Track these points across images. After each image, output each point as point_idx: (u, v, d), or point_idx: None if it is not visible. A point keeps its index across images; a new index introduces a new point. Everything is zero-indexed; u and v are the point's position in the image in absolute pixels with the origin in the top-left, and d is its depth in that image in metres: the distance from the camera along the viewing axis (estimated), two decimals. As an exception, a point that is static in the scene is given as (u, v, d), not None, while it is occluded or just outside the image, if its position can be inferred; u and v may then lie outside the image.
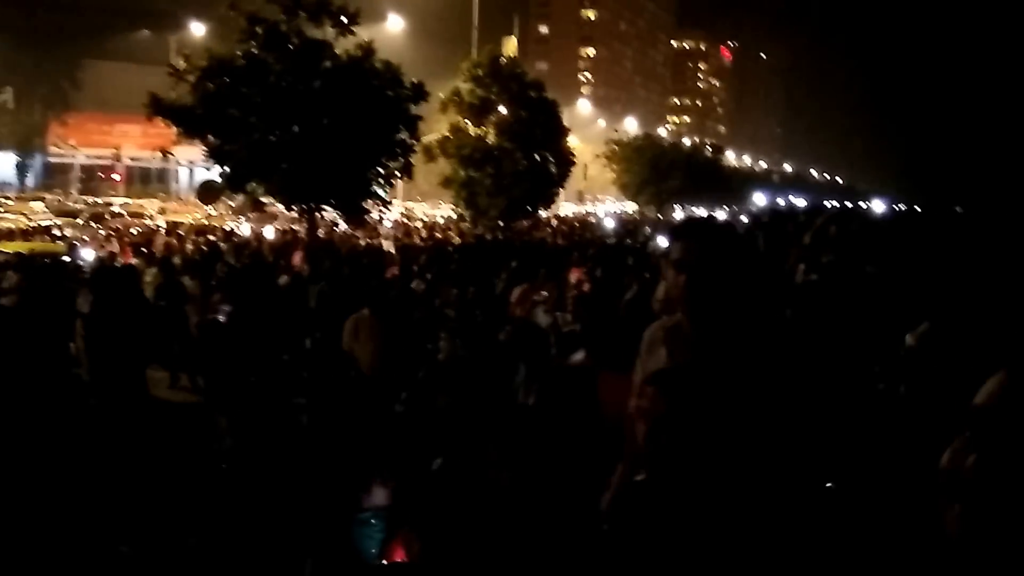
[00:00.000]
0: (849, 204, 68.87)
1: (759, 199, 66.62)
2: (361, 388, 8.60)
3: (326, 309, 10.78)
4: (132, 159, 55.11)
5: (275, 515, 4.98)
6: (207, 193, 21.01)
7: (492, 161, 24.33)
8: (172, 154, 18.76)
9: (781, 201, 73.94)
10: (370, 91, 18.12)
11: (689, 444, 2.73)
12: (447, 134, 24.98)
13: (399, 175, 19.75)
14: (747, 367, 2.84)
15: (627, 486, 3.05)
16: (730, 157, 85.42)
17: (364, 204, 18.99)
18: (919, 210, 53.73)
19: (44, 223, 27.28)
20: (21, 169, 55.60)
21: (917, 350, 4.36)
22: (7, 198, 40.84)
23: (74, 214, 32.33)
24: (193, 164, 41.25)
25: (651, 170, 48.15)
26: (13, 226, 25.54)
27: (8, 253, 16.26)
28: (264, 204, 19.67)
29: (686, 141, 64.56)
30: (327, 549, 4.58)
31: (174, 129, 17.20)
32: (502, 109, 25.35)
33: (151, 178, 60.61)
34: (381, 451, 5.13)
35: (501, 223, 24.84)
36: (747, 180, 75.22)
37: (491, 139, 25.06)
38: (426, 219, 38.04)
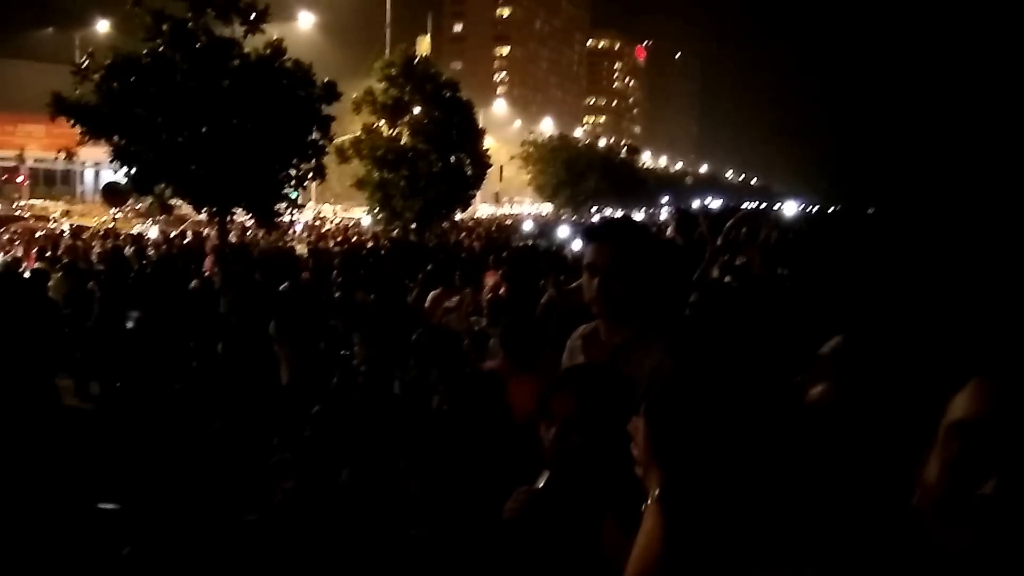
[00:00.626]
0: (764, 205, 70.50)
1: (669, 200, 67.66)
2: (273, 395, 8.50)
3: (238, 314, 10.59)
4: (36, 160, 53.29)
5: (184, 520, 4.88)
6: (113, 195, 20.46)
7: (407, 162, 24.21)
8: (76, 155, 18.17)
9: (697, 202, 75.20)
10: (280, 90, 17.85)
11: (599, 445, 2.71)
12: (360, 135, 24.78)
13: (311, 177, 19.49)
14: (660, 368, 2.85)
15: (530, 492, 3.04)
16: (646, 158, 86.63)
17: (276, 207, 18.69)
18: (832, 211, 55.26)
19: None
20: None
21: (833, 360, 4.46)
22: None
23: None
24: (99, 165, 40.09)
25: (567, 171, 48.58)
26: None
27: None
28: (172, 207, 19.23)
29: (602, 142, 65.19)
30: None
31: (79, 129, 16.69)
32: (416, 109, 25.23)
33: (56, 180, 58.74)
34: (291, 457, 5.07)
35: (416, 225, 24.73)
36: (663, 181, 76.36)
37: (405, 140, 24.93)
38: (339, 222, 37.65)
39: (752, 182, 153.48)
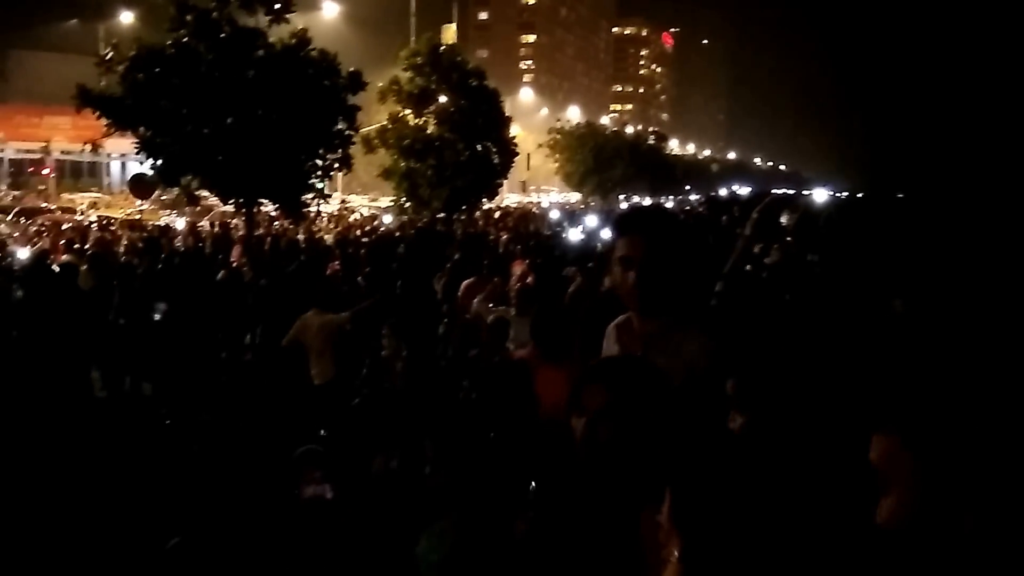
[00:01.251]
0: (792, 192, 69.91)
1: (691, 191, 67.25)
2: (305, 387, 8.45)
3: (266, 306, 10.53)
4: (63, 152, 53.71)
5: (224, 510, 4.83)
6: (139, 187, 20.46)
7: (433, 151, 24.07)
8: (103, 147, 18.16)
9: (724, 191, 74.72)
10: (305, 81, 17.73)
11: (630, 438, 2.63)
12: (386, 124, 24.67)
13: (338, 167, 19.40)
14: (698, 354, 2.80)
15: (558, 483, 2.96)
16: (674, 145, 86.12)
17: (303, 197, 18.62)
18: (861, 197, 54.70)
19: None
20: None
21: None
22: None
23: (3, 210, 31.38)
24: (125, 157, 40.31)
25: (594, 159, 48.30)
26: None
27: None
28: (199, 198, 19.20)
29: (629, 129, 64.78)
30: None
31: (104, 121, 16.68)
32: (442, 98, 25.09)
33: (82, 172, 59.23)
34: (326, 448, 5.01)
35: (443, 214, 24.61)
36: (691, 168, 75.87)
37: (432, 129, 24.80)
38: (366, 212, 37.62)
39: (781, 168, 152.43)
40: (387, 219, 27.12)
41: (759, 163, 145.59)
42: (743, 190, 76.65)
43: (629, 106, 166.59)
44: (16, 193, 44.15)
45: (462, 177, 24.18)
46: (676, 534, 2.12)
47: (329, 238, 21.18)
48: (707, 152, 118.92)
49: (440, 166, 23.94)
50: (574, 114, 70.43)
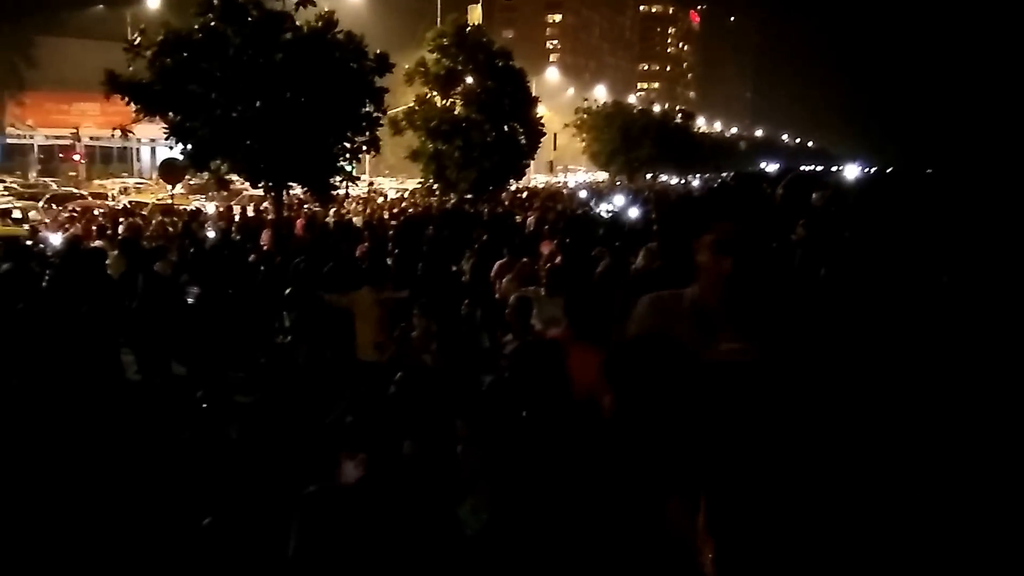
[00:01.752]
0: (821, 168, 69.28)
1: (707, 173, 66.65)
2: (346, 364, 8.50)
3: (300, 287, 10.58)
4: (92, 138, 54.16)
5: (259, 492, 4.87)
6: (169, 172, 20.59)
7: (460, 133, 24.07)
8: (132, 132, 18.29)
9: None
10: (333, 63, 17.76)
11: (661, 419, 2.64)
12: (413, 106, 24.67)
13: (365, 149, 19.43)
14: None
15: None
16: (701, 123, 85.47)
17: (331, 180, 18.68)
18: (891, 173, 54.05)
19: (3, 206, 26.68)
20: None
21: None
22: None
23: (35, 197, 31.71)
24: (155, 142, 40.58)
25: (621, 138, 48.08)
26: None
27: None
28: (229, 182, 19.31)
29: (656, 108, 64.36)
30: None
31: (133, 107, 16.78)
32: (469, 79, 25.05)
33: (112, 158, 59.69)
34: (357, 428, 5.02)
35: (471, 195, 24.63)
36: (718, 146, 75.33)
37: (459, 110, 24.78)
38: (395, 194, 37.68)
39: (808, 145, 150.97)
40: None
41: (787, 140, 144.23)
42: (771, 167, 76.02)
43: (656, 85, 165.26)
44: (47, 180, 44.59)
45: (489, 158, 24.19)
46: (710, 539, 2.16)
47: (358, 220, 21.23)
48: (734, 130, 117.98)
49: (467, 147, 23.95)
50: (601, 93, 70.13)
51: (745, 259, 2.81)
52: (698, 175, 63.15)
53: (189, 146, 17.24)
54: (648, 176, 51.24)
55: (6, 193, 34.70)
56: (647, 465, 2.63)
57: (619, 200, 24.61)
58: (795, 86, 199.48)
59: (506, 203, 27.50)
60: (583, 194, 27.21)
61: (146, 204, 26.73)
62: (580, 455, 3.60)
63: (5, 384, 7.08)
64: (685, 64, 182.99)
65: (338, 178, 18.88)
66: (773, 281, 2.87)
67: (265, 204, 23.44)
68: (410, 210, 25.38)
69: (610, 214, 20.49)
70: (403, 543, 3.70)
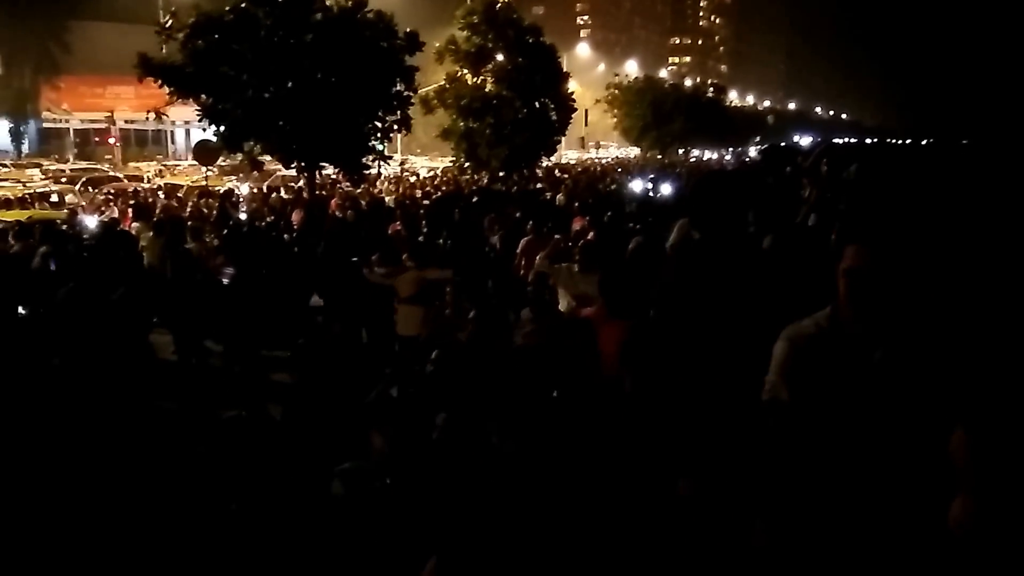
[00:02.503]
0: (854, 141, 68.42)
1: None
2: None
3: (337, 266, 10.65)
4: (127, 122, 54.65)
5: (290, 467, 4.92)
6: (204, 153, 20.75)
7: (491, 110, 24.00)
8: (166, 115, 18.44)
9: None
10: (363, 43, 17.76)
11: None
12: (444, 84, 24.64)
13: (397, 128, 19.45)
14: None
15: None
16: (733, 96, 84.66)
17: (363, 159, 18.73)
18: (925, 144, 53.23)
19: (41, 190, 27.03)
20: (16, 136, 55.25)
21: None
22: (3, 165, 40.55)
23: (72, 180, 32.08)
24: (189, 124, 40.88)
25: (653, 113, 47.72)
26: (11, 194, 25.30)
27: (8, 221, 16.04)
28: (262, 163, 19.43)
29: (688, 82, 63.78)
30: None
31: (167, 89, 16.91)
32: (499, 56, 24.94)
33: (147, 140, 60.25)
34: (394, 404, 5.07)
35: (502, 173, 24.60)
36: (751, 120, 74.60)
37: (489, 88, 24.70)
38: (426, 172, 37.73)
39: (842, 117, 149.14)
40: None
41: (820, 112, 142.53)
42: (804, 140, 75.19)
43: (688, 59, 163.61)
44: (84, 163, 45.07)
45: (520, 135, 24.10)
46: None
47: (390, 200, 21.30)
48: (767, 103, 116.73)
49: (498, 125, 23.88)
50: (632, 68, 69.56)
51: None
52: (730, 149, 62.61)
53: (222, 128, 17.35)
54: (680, 151, 50.82)
55: (44, 177, 35.14)
56: (658, 443, 2.63)
57: (651, 175, 24.47)
58: (829, 58, 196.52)
59: (539, 180, 27.45)
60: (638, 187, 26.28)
61: (181, 186, 26.94)
62: (606, 432, 3.62)
63: (46, 364, 7.20)
64: (717, 37, 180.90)
65: (370, 157, 18.92)
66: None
67: (299, 184, 23.58)
68: (442, 188, 25.44)
69: (643, 190, 20.39)
70: (433, 514, 3.74)
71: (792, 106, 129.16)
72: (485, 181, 24.48)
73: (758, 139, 64.19)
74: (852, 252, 2.74)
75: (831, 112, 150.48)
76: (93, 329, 7.85)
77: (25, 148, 55.23)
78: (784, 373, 2.85)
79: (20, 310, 8.90)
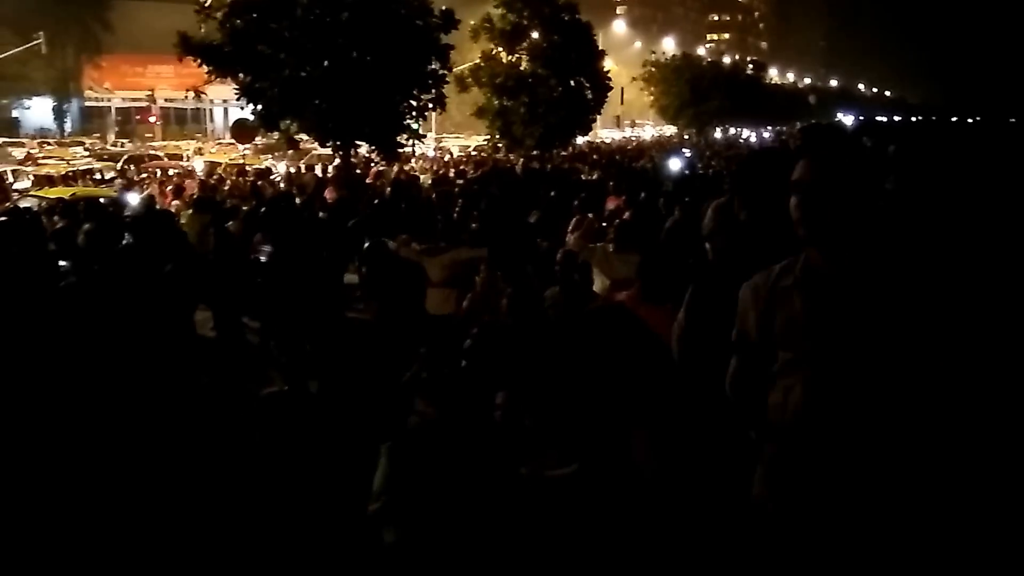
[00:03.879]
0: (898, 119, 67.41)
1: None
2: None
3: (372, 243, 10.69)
4: (167, 100, 55.17)
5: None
6: (241, 132, 20.92)
7: (526, 89, 23.95)
8: (205, 94, 18.60)
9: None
10: (398, 21, 17.77)
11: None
12: (479, 62, 24.61)
13: (432, 107, 19.47)
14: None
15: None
16: (772, 74, 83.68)
17: (398, 138, 18.79)
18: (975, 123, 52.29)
19: (84, 168, 27.38)
20: (58, 114, 55.98)
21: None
22: (47, 143, 41.14)
23: (114, 158, 32.47)
24: (227, 103, 41.14)
25: (690, 91, 47.31)
26: (55, 172, 25.67)
27: (52, 199, 16.27)
28: (298, 142, 19.55)
29: (726, 59, 63.11)
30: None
31: (205, 68, 17.05)
32: (535, 34, 24.85)
33: (186, 119, 60.79)
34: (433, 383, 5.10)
35: (537, 152, 24.57)
36: (791, 98, 73.73)
37: (524, 66, 24.63)
38: (460, 151, 37.75)
39: (886, 94, 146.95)
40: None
41: (863, 90, 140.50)
42: (847, 119, 74.22)
43: (726, 35, 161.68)
44: (125, 141, 45.63)
45: (555, 114, 24.05)
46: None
47: (425, 178, 21.36)
48: (808, 80, 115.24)
49: (533, 103, 23.84)
50: (669, 46, 68.95)
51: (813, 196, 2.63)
52: (770, 128, 61.95)
53: (259, 106, 17.48)
54: (719, 130, 50.39)
55: (86, 154, 35.61)
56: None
57: (688, 154, 24.33)
58: (872, 33, 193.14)
59: (574, 159, 27.39)
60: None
61: (220, 164, 27.19)
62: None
63: (94, 342, 7.31)
64: (756, 13, 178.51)
65: (404, 136, 18.97)
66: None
67: (334, 163, 23.73)
68: (476, 167, 25.44)
69: (679, 169, 20.27)
70: (481, 491, 3.78)
71: (834, 83, 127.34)
72: (520, 161, 24.45)
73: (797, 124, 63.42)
74: (800, 166, 2.69)
75: (874, 89, 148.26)
76: (144, 305, 7.99)
77: (68, 127, 55.96)
78: (755, 312, 2.85)
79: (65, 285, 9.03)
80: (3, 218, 11.21)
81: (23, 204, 16.05)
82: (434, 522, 3.68)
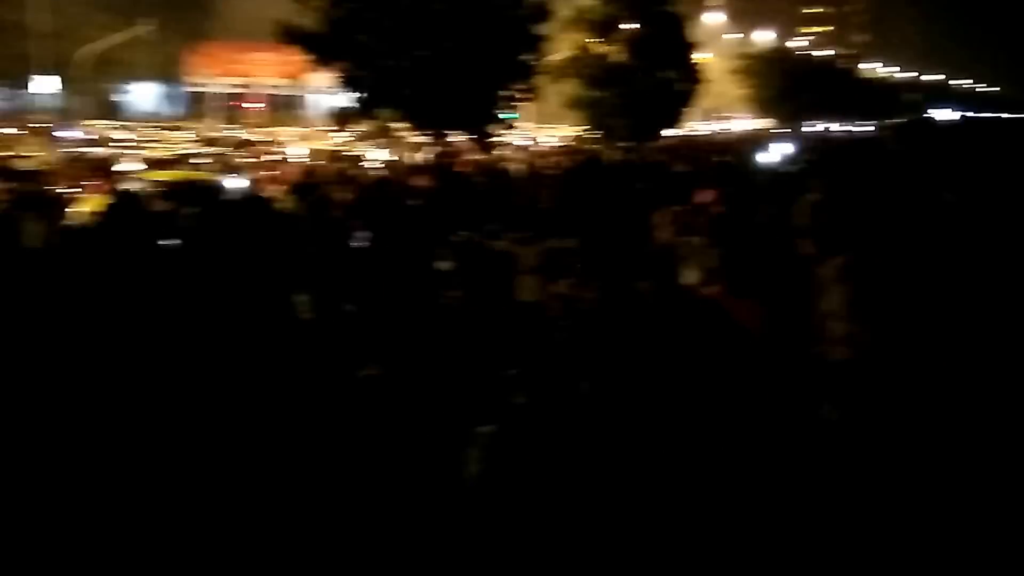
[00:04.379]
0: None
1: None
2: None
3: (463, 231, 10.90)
4: (268, 87, 56.83)
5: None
6: (340, 119, 21.39)
7: (619, 80, 23.92)
8: (304, 81, 19.15)
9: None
10: (492, 11, 17.97)
11: None
12: (573, 53, 24.65)
13: (524, 97, 19.65)
14: None
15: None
16: (869, 68, 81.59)
17: (490, 128, 19.03)
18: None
19: (189, 152, 28.21)
20: (165, 99, 57.94)
21: None
22: (155, 127, 42.47)
23: (218, 143, 33.33)
24: (324, 91, 41.99)
25: (784, 85, 46.49)
26: (161, 155, 26.50)
27: (158, 181, 16.85)
28: (391, 130, 19.93)
29: (821, 52, 61.79)
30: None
31: (306, 57, 17.52)
32: (628, 25, 24.77)
33: (286, 106, 61.99)
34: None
35: (629, 144, 24.52)
36: (887, 92, 71.82)
37: (617, 57, 24.58)
38: (554, 141, 37.78)
39: (984, 89, 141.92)
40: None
41: (959, 84, 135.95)
42: (942, 114, 72.00)
43: (822, 28, 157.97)
44: (227, 127, 46.82)
45: (647, 105, 23.98)
46: None
47: (516, 168, 21.53)
48: (903, 74, 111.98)
49: (625, 94, 23.80)
50: (763, 38, 67.73)
51: None
52: (865, 123, 60.48)
53: (357, 94, 17.88)
54: (812, 124, 49.43)
55: (191, 138, 36.70)
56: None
57: (781, 149, 23.99)
58: (970, 27, 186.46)
59: (665, 151, 27.24)
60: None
61: (319, 150, 27.75)
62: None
63: (205, 324, 7.64)
64: (852, 7, 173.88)
65: (495, 126, 19.20)
66: None
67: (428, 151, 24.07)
68: (568, 157, 25.49)
69: (772, 163, 20.07)
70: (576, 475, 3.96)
71: (930, 78, 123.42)
72: (612, 152, 24.45)
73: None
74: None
75: (971, 84, 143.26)
76: (244, 286, 8.34)
77: (174, 111, 57.78)
78: None
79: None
80: (113, 200, 11.78)
81: (130, 186, 16.71)
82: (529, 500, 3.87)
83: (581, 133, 26.02)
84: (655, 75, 24.44)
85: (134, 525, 4.59)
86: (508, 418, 4.61)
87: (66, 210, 12.41)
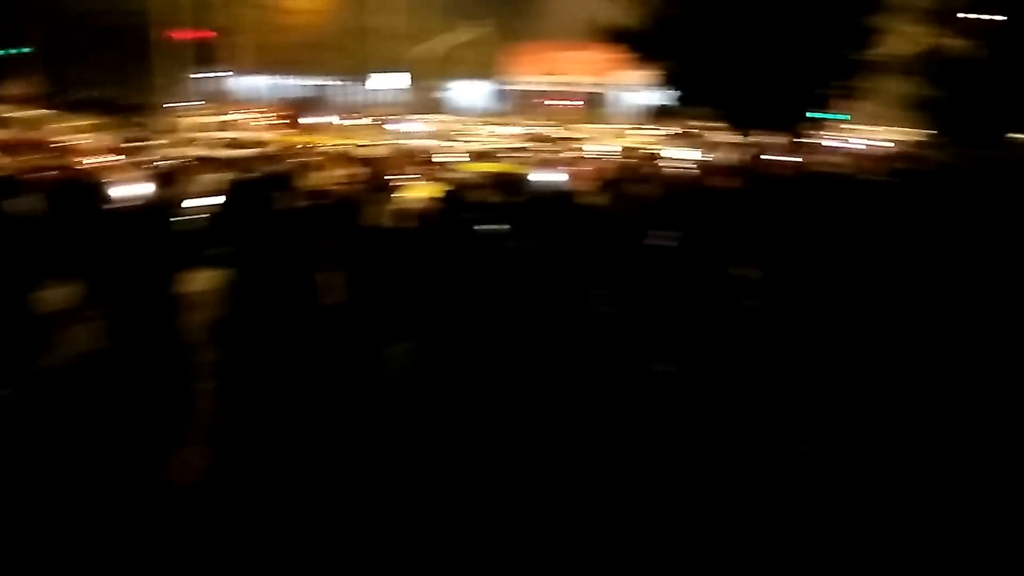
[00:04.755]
0: None
1: None
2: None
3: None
4: (579, 85, 58.78)
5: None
6: (659, 117, 21.40)
7: (969, 77, 21.82)
8: (619, 79, 19.33)
9: None
10: (824, 3, 17.05)
11: None
12: (910, 47, 22.85)
13: (853, 95, 18.53)
14: None
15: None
16: None
17: (811, 128, 18.14)
18: None
19: (508, 146, 29.28)
20: (488, 96, 61.62)
21: None
22: (490, 124, 45.01)
23: (539, 139, 34.41)
24: (639, 88, 42.47)
25: None
26: (483, 148, 27.74)
27: (478, 173, 17.58)
28: (694, 128, 19.64)
29: None
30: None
31: (626, 55, 17.55)
32: (974, 15, 22.57)
33: (600, 104, 63.18)
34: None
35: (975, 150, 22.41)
36: None
37: (968, 51, 22.43)
38: (885, 145, 35.48)
39: None
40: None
41: None
42: None
43: None
44: (543, 122, 48.49)
45: (998, 104, 21.72)
46: None
47: (844, 173, 20.38)
48: None
49: (972, 93, 21.70)
50: None
51: None
52: None
53: (674, 92, 17.69)
54: None
55: (516, 133, 38.37)
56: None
57: None
58: None
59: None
60: None
61: (634, 148, 27.87)
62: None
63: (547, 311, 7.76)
64: None
65: (817, 126, 18.35)
66: None
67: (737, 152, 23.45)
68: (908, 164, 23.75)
69: None
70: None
71: None
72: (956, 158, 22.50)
73: None
74: None
75: None
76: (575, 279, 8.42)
77: (497, 107, 61.23)
78: None
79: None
80: (448, 188, 12.41)
81: (457, 176, 17.54)
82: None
83: (918, 136, 24.07)
84: (1009, 71, 22.09)
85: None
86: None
87: (394, 196, 13.27)
